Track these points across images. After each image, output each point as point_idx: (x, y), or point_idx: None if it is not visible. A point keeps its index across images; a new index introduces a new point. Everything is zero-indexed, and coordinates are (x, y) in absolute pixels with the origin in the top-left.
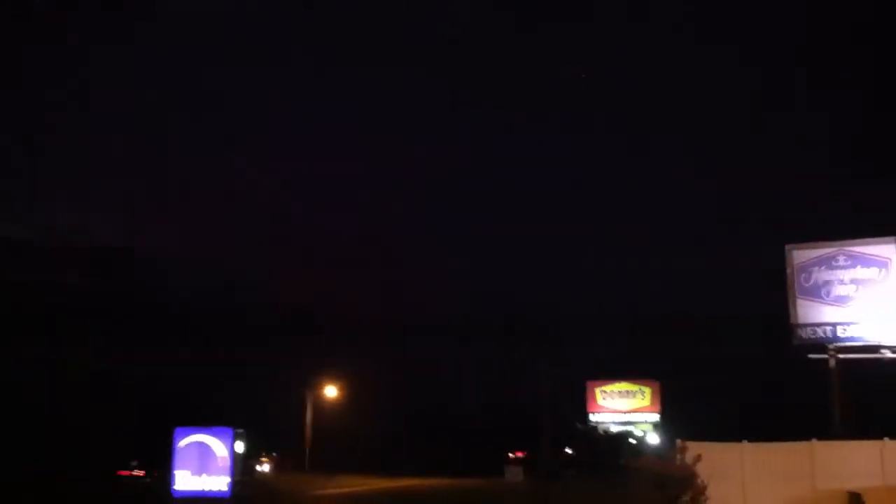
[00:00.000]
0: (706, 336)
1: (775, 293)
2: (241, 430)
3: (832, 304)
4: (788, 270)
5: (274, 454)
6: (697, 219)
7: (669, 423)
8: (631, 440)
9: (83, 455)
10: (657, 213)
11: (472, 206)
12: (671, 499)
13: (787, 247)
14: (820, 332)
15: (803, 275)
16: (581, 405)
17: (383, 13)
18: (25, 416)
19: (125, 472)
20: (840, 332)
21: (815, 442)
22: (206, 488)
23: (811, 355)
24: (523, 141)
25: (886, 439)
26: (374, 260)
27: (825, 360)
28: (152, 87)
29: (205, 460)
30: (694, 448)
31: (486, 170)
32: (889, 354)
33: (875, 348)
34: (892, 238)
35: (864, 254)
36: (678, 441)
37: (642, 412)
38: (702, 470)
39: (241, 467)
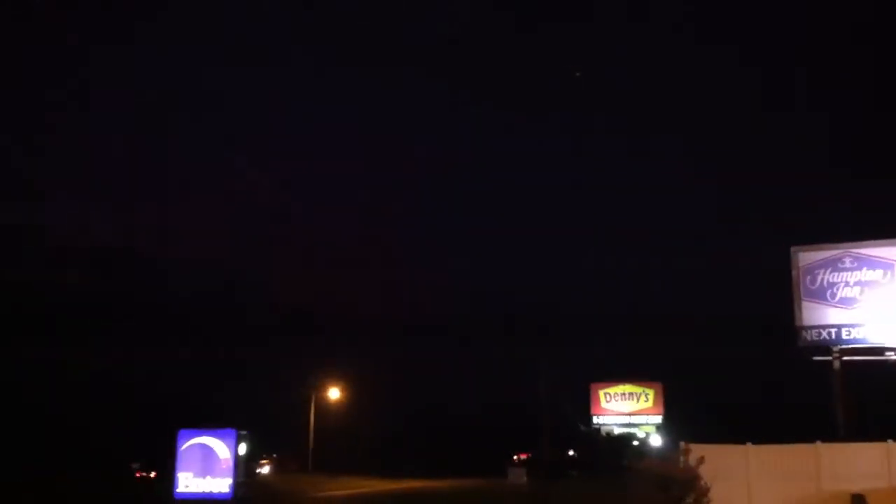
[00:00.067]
0: (708, 337)
1: (777, 294)
2: (244, 432)
3: (837, 306)
4: (794, 272)
5: (274, 455)
6: (697, 219)
7: (672, 425)
8: (634, 442)
9: (83, 455)
10: (657, 213)
11: (472, 206)
12: (674, 501)
13: (792, 248)
14: (825, 334)
15: (808, 277)
16: (582, 406)
17: (383, 13)
18: (25, 416)
19: (140, 473)
20: (845, 335)
21: (819, 444)
22: (209, 490)
23: (816, 357)
24: (523, 141)
25: (890, 441)
26: (374, 260)
27: (829, 362)
28: (152, 87)
29: (207, 462)
30: (697, 450)
31: (486, 170)
32: (894, 357)
33: (880, 350)
34: None
35: (870, 256)
36: (681, 443)
37: (645, 414)
38: (705, 472)
39: (244, 469)
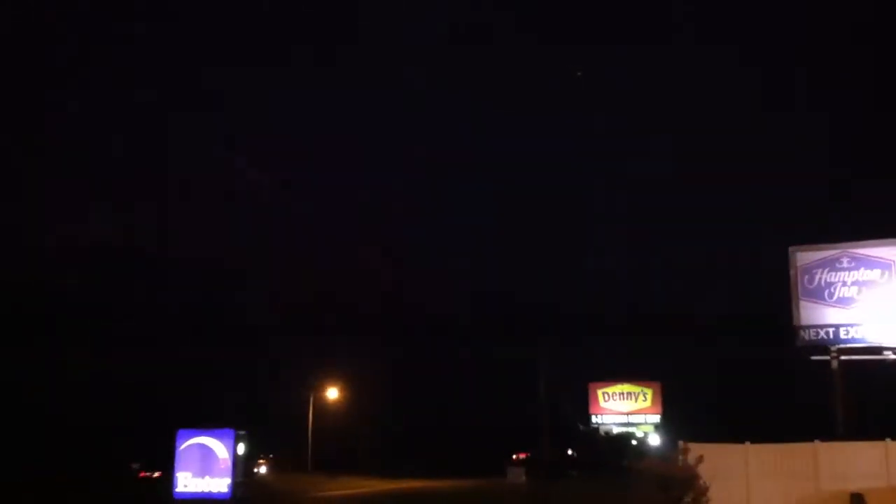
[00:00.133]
0: (707, 337)
1: (776, 293)
2: (242, 432)
3: (835, 306)
4: (792, 272)
5: (271, 455)
6: (697, 219)
7: (671, 425)
8: (633, 441)
9: (83, 455)
10: (657, 212)
11: (472, 206)
12: (673, 500)
13: (790, 248)
14: (823, 333)
15: (806, 276)
16: (582, 406)
17: (383, 13)
18: (25, 416)
19: (144, 474)
20: (843, 334)
21: (818, 443)
22: (207, 490)
23: (814, 357)
24: (523, 141)
25: (889, 440)
26: (374, 260)
27: (827, 362)
28: (152, 87)
29: (206, 462)
30: (696, 449)
31: (486, 170)
32: (892, 356)
33: (878, 350)
34: (895, 240)
35: (868, 256)
36: (680, 442)
37: (644, 413)
38: (704, 471)
39: (243, 469)
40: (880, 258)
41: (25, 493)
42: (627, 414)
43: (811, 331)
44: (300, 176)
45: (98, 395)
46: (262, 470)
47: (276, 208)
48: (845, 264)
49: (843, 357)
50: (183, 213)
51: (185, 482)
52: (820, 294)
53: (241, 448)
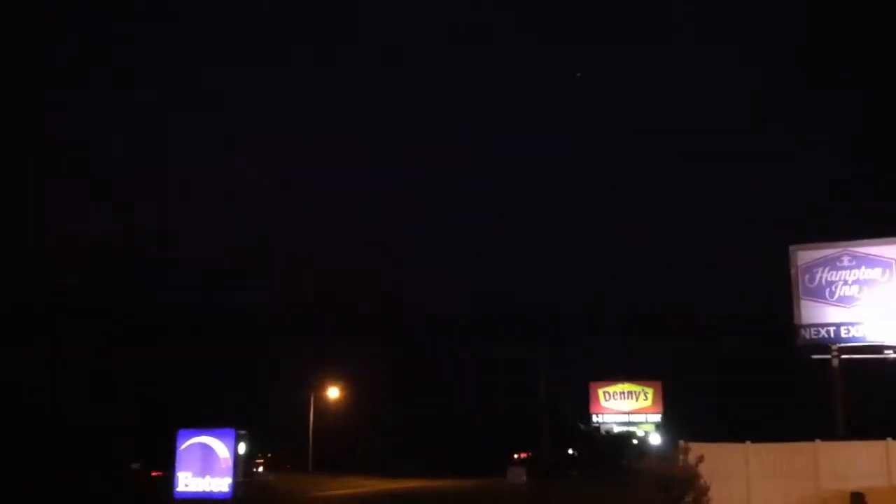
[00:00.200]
0: (707, 336)
1: (776, 293)
2: (243, 432)
3: (836, 305)
4: (792, 271)
5: (269, 455)
6: (697, 219)
7: (671, 424)
8: (633, 441)
9: (83, 455)
10: (657, 212)
11: (472, 206)
12: (674, 500)
13: (791, 247)
14: (823, 332)
15: (807, 275)
16: (582, 405)
17: (383, 13)
18: (25, 416)
19: (157, 473)
20: (844, 333)
21: (818, 442)
22: (208, 490)
23: (815, 356)
24: (523, 141)
25: (890, 439)
26: (374, 260)
27: (828, 361)
28: (152, 87)
29: (207, 462)
30: (696, 449)
31: (486, 170)
32: (892, 355)
33: (879, 349)
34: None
35: (869, 254)
36: (681, 442)
37: (644, 413)
38: (704, 471)
39: (243, 469)
40: (881, 257)
41: (25, 493)
42: (628, 413)
43: (812, 330)
44: (300, 176)
45: (98, 395)
46: (260, 470)
47: (276, 208)
48: (846, 263)
49: (843, 356)
50: (183, 213)
51: (186, 482)
52: (821, 293)
53: (241, 448)
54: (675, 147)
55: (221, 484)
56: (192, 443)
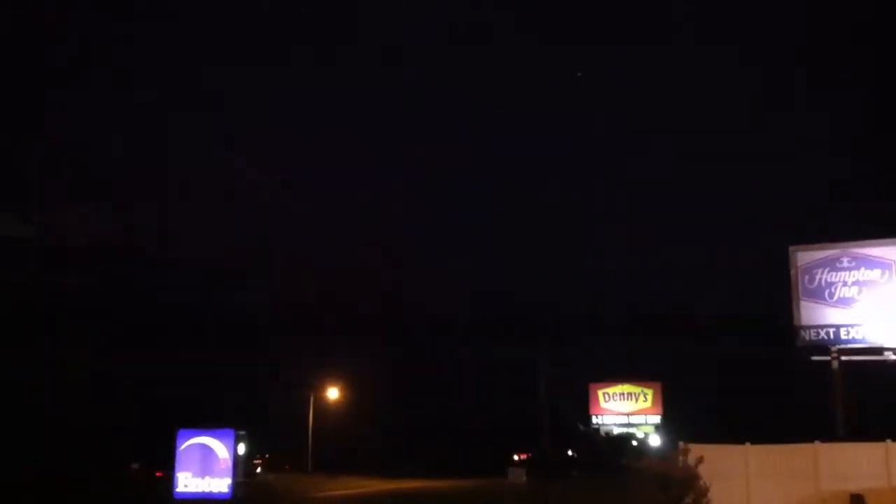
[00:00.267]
0: (707, 337)
1: (776, 293)
2: (243, 432)
3: (836, 306)
4: (792, 272)
5: (267, 455)
6: (697, 219)
7: (671, 425)
8: (633, 442)
9: (83, 455)
10: (657, 212)
11: (472, 206)
12: (673, 501)
13: (790, 248)
14: (823, 333)
15: (807, 276)
16: (582, 406)
17: (383, 13)
18: (25, 416)
19: (160, 473)
20: (843, 334)
21: (818, 444)
22: (208, 490)
23: (814, 357)
24: (523, 141)
25: (889, 441)
26: (374, 260)
27: (828, 362)
28: (152, 87)
29: (207, 462)
30: (696, 450)
31: (486, 170)
32: (892, 356)
33: (878, 350)
34: (895, 240)
35: (868, 255)
36: (680, 443)
37: (644, 414)
38: (704, 472)
39: (243, 469)
40: (881, 258)
41: (25, 493)
42: (628, 414)
43: (812, 331)
44: (300, 176)
45: (98, 395)
46: (258, 471)
47: (276, 208)
48: (846, 264)
49: (843, 357)
50: (183, 213)
51: (186, 482)
52: (820, 294)
53: (241, 448)
54: (675, 147)
55: (221, 484)
56: (191, 443)
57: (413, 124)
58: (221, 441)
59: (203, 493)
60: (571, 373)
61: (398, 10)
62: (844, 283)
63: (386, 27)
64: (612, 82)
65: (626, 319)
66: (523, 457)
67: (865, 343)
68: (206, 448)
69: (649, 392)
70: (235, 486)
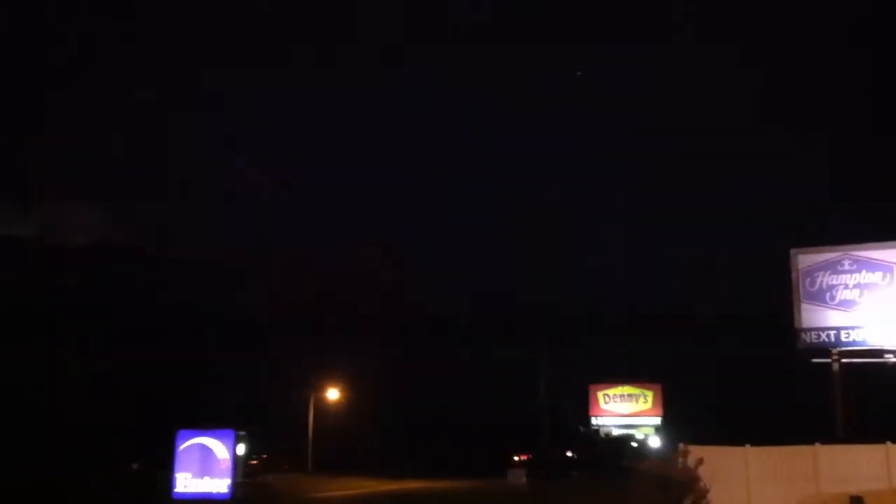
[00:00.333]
0: (708, 339)
1: (776, 294)
2: (242, 433)
3: (836, 309)
4: (793, 275)
5: (265, 456)
6: (697, 219)
7: (671, 427)
8: (633, 443)
9: (83, 455)
10: (657, 212)
11: (472, 206)
12: (673, 502)
13: (791, 251)
14: (824, 336)
15: (808, 279)
16: (582, 407)
17: (383, 13)
18: (25, 416)
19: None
20: (844, 337)
21: (818, 446)
22: (207, 490)
23: (815, 359)
24: (523, 141)
25: (889, 443)
26: (374, 260)
27: (828, 364)
28: (152, 87)
29: (206, 463)
30: (696, 451)
31: (486, 170)
32: (892, 359)
33: (879, 352)
34: None
35: (869, 258)
36: (680, 444)
37: (644, 415)
38: (704, 473)
39: (243, 470)
40: (882, 261)
41: (25, 493)
42: (628, 416)
43: (812, 333)
44: (300, 176)
45: (98, 395)
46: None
47: (276, 208)
48: (846, 267)
49: (844, 360)
50: (183, 213)
51: (185, 482)
52: (821, 297)
53: (241, 448)
54: (675, 147)
55: (220, 485)
56: (191, 443)
57: (413, 124)
58: (221, 441)
59: (202, 493)
60: (571, 373)
61: (398, 10)
62: (845, 286)
63: (386, 27)
64: (612, 82)
65: (626, 319)
66: (524, 457)
67: (866, 345)
68: (205, 448)
69: (649, 394)
70: (235, 486)
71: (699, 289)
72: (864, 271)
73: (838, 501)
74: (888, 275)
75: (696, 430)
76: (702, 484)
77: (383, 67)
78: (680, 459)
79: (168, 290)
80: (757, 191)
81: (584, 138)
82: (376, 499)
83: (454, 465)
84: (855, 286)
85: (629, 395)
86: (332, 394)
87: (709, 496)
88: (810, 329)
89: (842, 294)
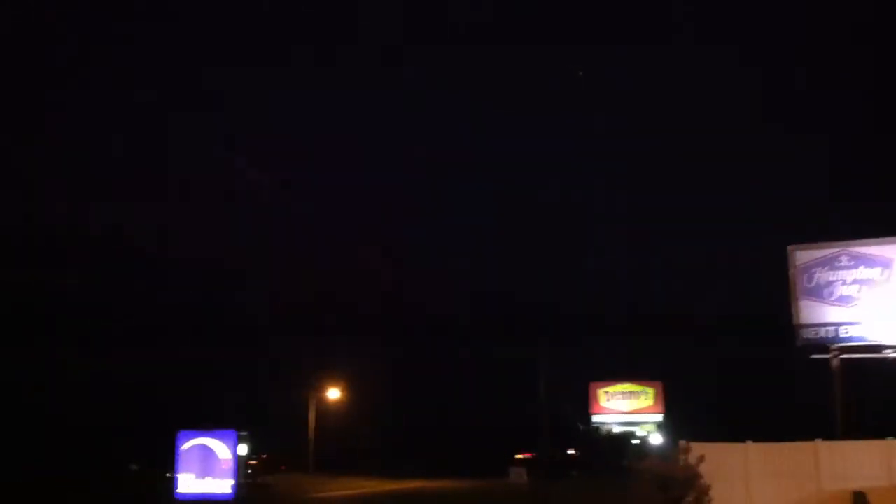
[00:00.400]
0: (708, 336)
1: (776, 293)
2: (244, 433)
3: (835, 305)
4: (791, 271)
5: (264, 456)
6: (697, 219)
7: (672, 424)
8: (634, 441)
9: (83, 455)
10: (657, 212)
11: (472, 206)
12: (674, 500)
13: (789, 248)
14: (823, 332)
15: (806, 275)
16: (583, 405)
17: (383, 13)
18: (25, 416)
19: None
20: (843, 333)
21: (819, 442)
22: (209, 491)
23: (814, 356)
24: (523, 141)
25: (891, 438)
26: (374, 260)
27: (827, 361)
28: (152, 87)
29: (208, 463)
30: (697, 449)
31: (486, 170)
32: (892, 354)
33: (878, 348)
34: (894, 238)
35: (867, 254)
36: (681, 442)
37: (645, 413)
38: (705, 471)
39: (244, 470)
40: (880, 256)
41: (25, 493)
42: (629, 413)
43: (811, 330)
44: (300, 176)
45: (98, 395)
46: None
47: (276, 208)
48: (845, 263)
49: (843, 356)
50: (183, 213)
51: (187, 483)
52: (819, 293)
53: (243, 449)
54: (675, 147)
55: (223, 485)
56: (192, 444)
57: (413, 124)
58: (223, 442)
59: (204, 493)
60: (571, 373)
61: (398, 10)
62: (844, 282)
63: (386, 27)
64: (612, 82)
65: (626, 319)
66: (527, 456)
67: (865, 341)
68: (207, 449)
69: (650, 391)
70: (237, 486)
71: (699, 289)
72: (861, 267)
73: (840, 498)
74: (886, 270)
75: (696, 427)
76: (703, 481)
77: (383, 67)
78: (681, 457)
79: (168, 290)
80: (757, 191)
81: (584, 138)
82: (378, 499)
83: (454, 465)
84: (853, 282)
85: (630, 393)
86: (333, 394)
87: (710, 493)
88: (809, 325)
89: (840, 290)
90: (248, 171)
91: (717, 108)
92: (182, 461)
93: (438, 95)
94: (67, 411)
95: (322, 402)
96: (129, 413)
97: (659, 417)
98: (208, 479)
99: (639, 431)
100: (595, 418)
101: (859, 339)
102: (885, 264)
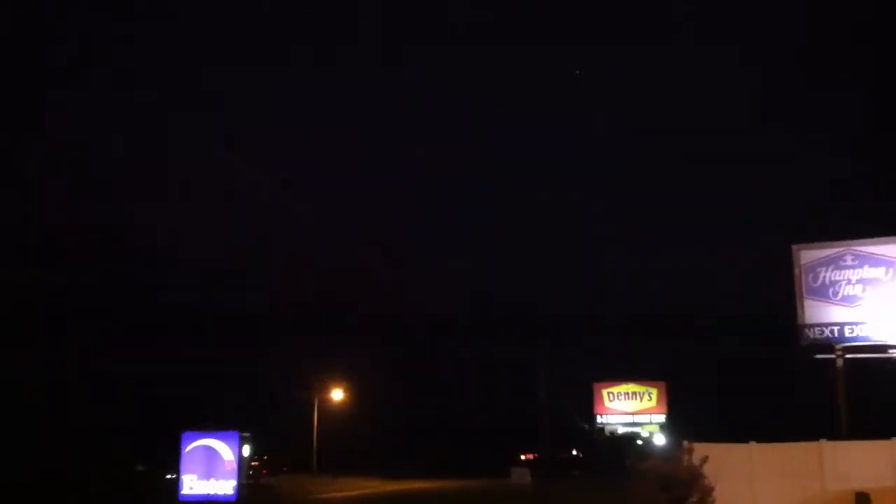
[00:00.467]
0: (711, 336)
1: (777, 293)
2: (247, 434)
3: (840, 304)
4: (796, 270)
5: (265, 457)
6: (697, 219)
7: (676, 425)
8: (638, 441)
9: (84, 455)
10: (657, 212)
11: (472, 206)
12: (678, 500)
13: (794, 247)
14: (827, 332)
15: (811, 275)
16: (585, 406)
17: (383, 13)
18: (25, 416)
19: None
20: (847, 332)
21: (823, 442)
22: (213, 492)
23: (818, 355)
24: (523, 141)
25: (895, 439)
26: (374, 260)
27: (831, 360)
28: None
29: (211, 464)
30: (701, 449)
31: (486, 170)
32: None
33: (882, 348)
34: None
35: (872, 253)
36: (685, 442)
37: (649, 413)
38: (709, 471)
39: (247, 471)
40: (885, 256)
41: (25, 493)
42: (632, 414)
43: (816, 329)
44: (300, 176)
45: (98, 395)
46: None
47: (276, 208)
48: (849, 262)
49: (847, 356)
50: (183, 213)
51: (191, 484)
52: (824, 292)
53: (246, 450)
54: (675, 147)
55: (226, 486)
56: (196, 445)
57: (413, 124)
58: (226, 443)
59: (208, 494)
60: (573, 373)
61: (398, 10)
62: (848, 282)
63: (386, 27)
64: (612, 82)
65: (627, 319)
66: (529, 456)
67: (870, 341)
68: (211, 450)
69: (654, 391)
70: (240, 487)
71: (699, 289)
72: (866, 266)
73: (843, 498)
74: (891, 269)
75: (698, 428)
76: (706, 481)
77: (383, 67)
78: (684, 457)
79: (168, 290)
80: (757, 191)
81: (584, 138)
82: (379, 499)
83: (455, 465)
84: (858, 281)
85: (634, 393)
86: (337, 394)
87: (714, 493)
88: (813, 325)
89: (845, 289)
90: (248, 171)
91: (717, 108)
92: (186, 462)
93: (438, 95)
94: (67, 411)
95: (324, 402)
96: (129, 413)
97: (662, 418)
98: (212, 481)
99: (642, 432)
100: (599, 419)
101: (864, 338)
102: (890, 263)
